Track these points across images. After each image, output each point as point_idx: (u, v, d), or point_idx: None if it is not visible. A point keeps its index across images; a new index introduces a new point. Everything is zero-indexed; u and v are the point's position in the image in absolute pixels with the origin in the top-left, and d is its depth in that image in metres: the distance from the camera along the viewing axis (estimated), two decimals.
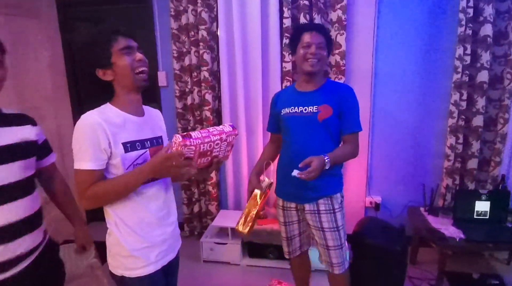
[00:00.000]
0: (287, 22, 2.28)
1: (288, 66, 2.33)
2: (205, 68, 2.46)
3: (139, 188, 1.06)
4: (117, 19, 2.89)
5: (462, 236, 1.86)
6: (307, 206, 1.56)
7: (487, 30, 2.07)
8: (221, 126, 1.09)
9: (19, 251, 1.05)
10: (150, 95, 2.86)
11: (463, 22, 2.07)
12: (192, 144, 0.97)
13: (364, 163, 2.48)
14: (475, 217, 2.01)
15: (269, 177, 1.61)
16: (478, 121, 2.20)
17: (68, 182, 1.36)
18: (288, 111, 1.54)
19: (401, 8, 2.24)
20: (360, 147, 2.37)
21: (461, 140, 2.24)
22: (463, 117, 2.22)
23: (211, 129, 1.06)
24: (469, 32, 2.08)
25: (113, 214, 1.08)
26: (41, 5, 2.56)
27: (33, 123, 1.16)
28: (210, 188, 2.67)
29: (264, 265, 2.38)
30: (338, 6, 2.21)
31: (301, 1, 2.23)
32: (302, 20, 2.24)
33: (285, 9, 2.27)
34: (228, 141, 1.09)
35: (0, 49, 1.04)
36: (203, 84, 2.50)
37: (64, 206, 1.33)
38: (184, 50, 2.50)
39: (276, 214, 1.72)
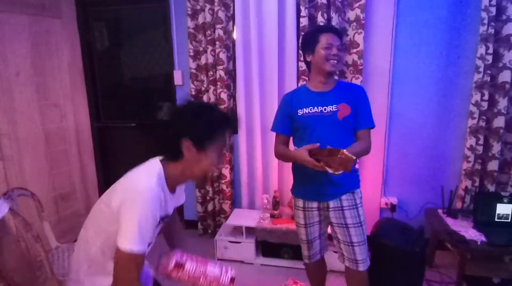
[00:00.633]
0: (304, 21, 2.27)
1: (305, 66, 2.32)
2: (221, 67, 2.47)
3: None
4: (135, 19, 2.93)
5: (483, 239, 1.82)
6: (331, 204, 1.55)
7: (510, 29, 2.02)
8: (222, 270, 1.05)
9: None
10: (165, 94, 2.89)
11: (485, 21, 2.03)
12: (181, 275, 0.99)
13: (380, 163, 2.45)
14: (496, 220, 1.97)
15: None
16: (499, 122, 2.15)
17: None
18: (306, 111, 1.54)
19: (421, 6, 2.20)
20: (376, 147, 2.40)
21: (481, 141, 2.20)
22: (484, 117, 2.17)
23: (209, 266, 1.04)
24: (492, 31, 2.04)
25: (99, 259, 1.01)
26: (63, 5, 2.61)
27: None
28: (224, 186, 2.68)
29: (278, 264, 2.37)
30: (357, 5, 2.19)
31: (318, 0, 2.22)
32: (320, 19, 2.23)
33: (302, 8, 2.26)
34: None
35: None
36: (218, 83, 2.51)
37: None
38: (201, 49, 2.52)
39: (294, 215, 1.70)
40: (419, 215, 2.41)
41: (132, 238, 0.87)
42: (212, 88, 2.54)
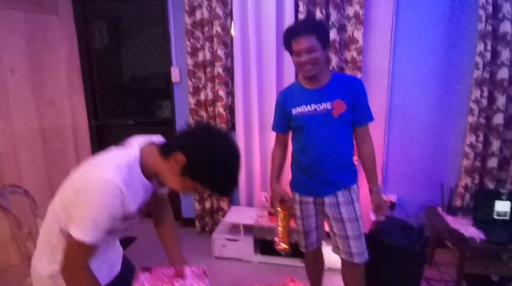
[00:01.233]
0: (302, 17, 2.25)
1: None
2: (219, 64, 2.45)
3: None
4: (133, 16, 2.91)
5: (483, 237, 1.80)
6: (326, 199, 1.55)
7: (506, 27, 2.01)
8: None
9: None
10: (163, 91, 2.87)
11: (483, 19, 2.01)
12: None
13: (379, 161, 2.41)
14: (495, 217, 1.95)
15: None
16: (498, 119, 2.13)
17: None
18: (300, 111, 1.51)
19: (420, 3, 2.19)
20: (376, 144, 2.34)
21: (481, 139, 2.18)
22: (483, 114, 2.15)
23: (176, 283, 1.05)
24: (489, 28, 2.02)
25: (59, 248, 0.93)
26: (60, 2, 2.59)
27: None
28: None
29: (276, 262, 2.36)
30: (356, 1, 2.17)
31: None
32: (318, 15, 2.21)
33: (300, 4, 2.24)
34: None
35: None
36: (216, 80, 2.49)
37: None
38: (198, 45, 2.50)
39: (292, 209, 1.69)
40: (419, 213, 2.39)
41: (83, 229, 0.84)
42: (210, 85, 2.53)
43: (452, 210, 2.11)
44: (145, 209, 1.04)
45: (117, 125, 3.04)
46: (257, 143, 2.54)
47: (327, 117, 1.48)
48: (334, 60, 2.25)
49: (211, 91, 2.54)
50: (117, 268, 1.16)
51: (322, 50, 1.43)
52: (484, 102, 2.13)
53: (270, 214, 2.41)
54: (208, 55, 2.47)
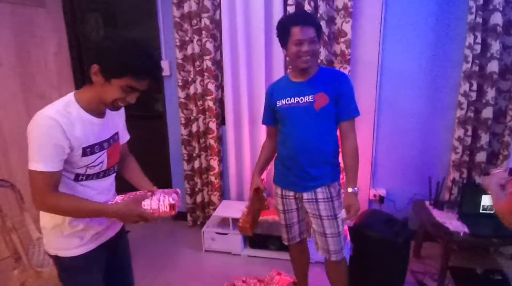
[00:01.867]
0: (291, 10, 2.22)
1: None
2: (208, 57, 2.43)
3: (83, 182, 1.09)
4: (122, 9, 2.88)
5: (466, 230, 1.81)
6: (305, 195, 1.55)
7: (497, 18, 1.98)
8: (160, 202, 1.13)
9: None
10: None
11: (473, 10, 1.98)
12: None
13: (368, 155, 2.43)
14: (481, 211, 1.96)
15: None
16: (487, 113, 2.12)
17: None
18: (284, 103, 1.51)
19: None
20: (365, 138, 2.38)
21: (469, 132, 2.17)
22: (472, 108, 2.14)
23: (145, 201, 1.12)
24: (479, 20, 2.00)
25: None
26: None
27: None
28: (213, 178, 2.67)
29: (265, 256, 2.38)
30: None
31: None
32: (307, 7, 2.19)
33: None
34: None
35: None
36: (206, 74, 2.48)
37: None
38: (187, 39, 2.48)
39: (275, 203, 1.71)
40: (407, 206, 2.40)
41: (33, 158, 0.96)
42: (199, 78, 2.51)
43: (439, 204, 2.11)
44: (114, 156, 1.14)
45: None
46: (247, 137, 2.53)
47: (309, 110, 1.47)
48: (323, 53, 2.23)
49: (200, 84, 2.52)
50: (111, 233, 1.23)
51: (319, 44, 1.46)
52: (473, 95, 2.12)
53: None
54: (196, 48, 2.45)
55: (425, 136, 2.34)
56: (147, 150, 3.00)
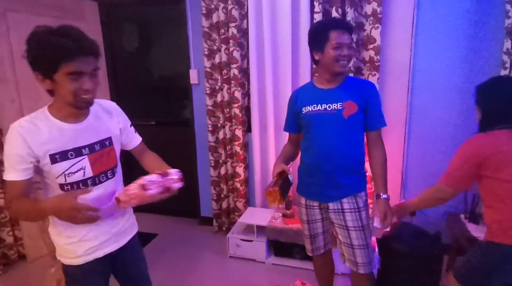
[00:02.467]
0: (318, 17, 2.21)
1: None
2: (235, 65, 2.48)
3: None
4: (155, 20, 3.01)
5: None
6: (331, 205, 1.52)
7: None
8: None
9: None
10: (183, 92, 2.95)
11: (511, 14, 1.87)
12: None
13: (399, 164, 2.35)
14: None
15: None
16: None
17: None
18: (310, 109, 1.50)
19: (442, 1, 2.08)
20: (395, 147, 2.30)
21: None
22: None
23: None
24: None
25: None
26: (86, 8, 2.73)
27: None
28: (238, 185, 2.69)
29: (290, 264, 2.35)
30: None
31: None
32: (334, 14, 2.17)
33: (316, 4, 2.20)
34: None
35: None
36: (232, 82, 2.52)
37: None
38: (215, 47, 2.53)
39: (299, 213, 1.69)
40: (441, 219, 2.28)
41: (5, 171, 1.01)
42: (226, 86, 2.56)
43: (475, 217, 1.99)
44: (101, 162, 1.12)
45: (140, 125, 3.15)
46: (272, 144, 2.54)
47: (337, 117, 1.45)
48: (351, 60, 2.19)
49: (227, 92, 2.57)
50: (112, 249, 1.21)
51: (355, 51, 1.46)
52: None
53: (284, 216, 2.40)
54: (224, 57, 2.50)
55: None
56: (175, 156, 3.08)
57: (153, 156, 1.33)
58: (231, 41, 2.44)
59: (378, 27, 2.13)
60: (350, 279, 1.65)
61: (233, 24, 2.41)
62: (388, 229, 1.49)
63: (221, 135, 2.67)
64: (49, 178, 1.06)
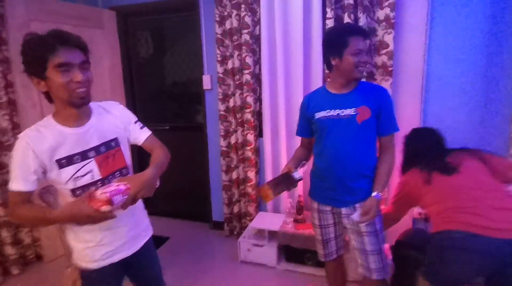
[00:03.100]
0: (330, 23, 2.22)
1: None
2: (247, 71, 2.50)
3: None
4: (170, 27, 3.08)
5: None
6: (343, 210, 1.52)
7: None
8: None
9: None
10: (196, 98, 2.99)
11: None
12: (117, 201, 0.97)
13: None
14: None
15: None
16: None
17: None
18: (324, 114, 1.50)
19: (458, 3, 2.05)
20: None
21: None
22: None
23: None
24: None
25: None
26: (104, 16, 2.82)
27: None
28: (250, 189, 2.70)
29: (301, 271, 2.33)
30: (386, 3, 2.09)
31: (345, 0, 2.16)
32: (347, 19, 2.17)
33: (328, 10, 2.21)
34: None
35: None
36: (245, 87, 2.54)
37: None
38: (228, 54, 2.57)
39: (311, 217, 1.68)
40: None
41: (10, 182, 1.03)
42: (238, 92, 2.59)
43: None
44: (109, 163, 1.13)
45: (154, 130, 3.21)
46: (284, 149, 2.54)
47: (350, 122, 1.45)
48: None
49: (239, 97, 2.59)
50: (127, 254, 1.22)
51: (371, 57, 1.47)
52: None
53: (296, 221, 2.40)
54: (237, 63, 2.54)
55: None
56: (188, 160, 3.14)
57: (155, 154, 1.26)
58: (243, 47, 2.47)
59: (391, 32, 2.12)
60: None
61: (245, 31, 2.44)
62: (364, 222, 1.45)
63: (233, 140, 2.69)
64: (59, 184, 1.07)
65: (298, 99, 2.42)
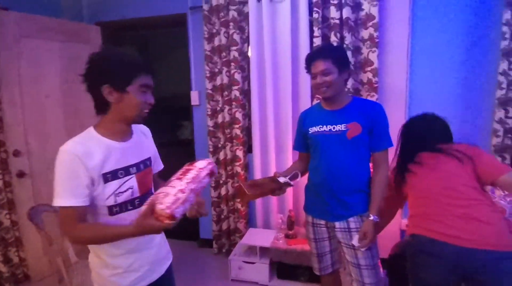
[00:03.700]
0: (318, 41, 2.29)
1: None
2: (236, 87, 2.52)
3: (120, 216, 1.06)
4: (156, 42, 3.09)
5: None
6: (337, 224, 1.54)
7: None
8: (196, 166, 1.04)
9: None
10: (184, 113, 2.98)
11: (507, 35, 1.96)
12: (179, 213, 0.92)
13: None
14: None
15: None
16: None
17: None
18: (316, 130, 1.55)
19: (437, 23, 2.17)
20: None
21: (508, 161, 2.07)
22: (509, 135, 2.06)
23: (186, 178, 0.98)
24: None
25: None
26: (90, 31, 2.79)
27: None
28: (239, 205, 2.67)
29: None
30: (370, 23, 2.19)
31: (331, 20, 2.24)
32: (333, 38, 2.25)
33: (315, 29, 2.29)
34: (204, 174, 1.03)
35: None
36: (233, 103, 2.56)
37: None
38: (216, 70, 2.59)
39: (306, 231, 1.69)
40: None
41: (59, 197, 0.97)
42: (227, 107, 2.59)
43: None
44: (146, 182, 1.13)
45: None
46: (273, 165, 2.55)
47: (341, 138, 1.49)
48: (350, 82, 2.25)
49: (228, 113, 2.60)
50: (154, 277, 1.18)
51: (338, 74, 1.48)
52: (509, 122, 2.05)
53: (287, 236, 2.38)
54: (225, 79, 2.56)
55: None
56: None
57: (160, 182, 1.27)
58: (232, 63, 2.50)
59: (375, 50, 2.21)
60: None
61: (234, 48, 2.48)
62: (363, 248, 1.48)
63: (221, 155, 2.68)
64: (100, 200, 1.04)
65: (287, 114, 2.45)
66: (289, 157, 2.50)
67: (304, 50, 2.35)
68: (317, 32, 2.29)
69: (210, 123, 2.69)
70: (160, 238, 1.21)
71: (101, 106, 1.05)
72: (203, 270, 2.65)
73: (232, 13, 2.44)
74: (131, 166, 1.09)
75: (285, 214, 2.52)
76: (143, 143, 1.19)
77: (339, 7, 2.21)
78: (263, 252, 2.40)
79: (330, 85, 1.47)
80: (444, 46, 2.18)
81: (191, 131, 2.89)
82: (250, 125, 2.61)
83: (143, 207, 0.92)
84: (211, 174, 1.06)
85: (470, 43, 2.13)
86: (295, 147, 1.76)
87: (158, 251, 1.19)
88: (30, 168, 2.38)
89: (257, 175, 2.58)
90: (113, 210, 1.05)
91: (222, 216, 2.77)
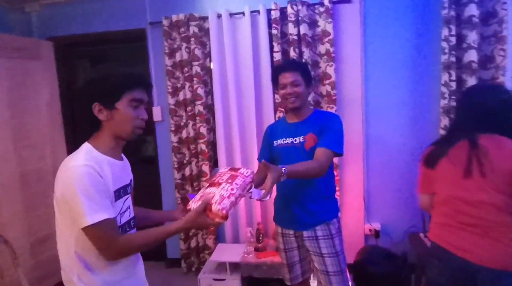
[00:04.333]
0: (278, 56, 2.37)
1: (280, 98, 2.39)
2: (199, 102, 2.52)
3: None
4: (115, 57, 3.00)
5: None
6: (305, 233, 1.57)
7: (471, 56, 2.11)
8: (242, 174, 1.11)
9: None
10: (146, 130, 2.89)
11: (446, 50, 2.15)
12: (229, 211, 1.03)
13: (360, 189, 2.48)
14: None
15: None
16: None
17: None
18: (280, 142, 1.61)
19: (386, 40, 2.35)
20: (356, 174, 2.44)
21: None
22: None
23: (235, 183, 1.07)
24: (453, 59, 2.16)
25: (81, 264, 0.98)
26: (42, 47, 2.65)
27: None
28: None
29: None
30: (326, 39, 2.31)
31: (290, 36, 2.33)
32: (292, 53, 2.34)
33: (275, 44, 2.37)
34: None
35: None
36: (198, 118, 2.54)
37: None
38: (179, 85, 2.57)
39: (276, 242, 1.71)
40: (404, 239, 2.40)
41: (88, 212, 0.90)
42: (191, 123, 2.57)
43: None
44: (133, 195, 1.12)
45: None
46: None
47: (300, 149, 1.55)
48: (310, 95, 2.34)
49: (192, 128, 2.58)
50: None
51: (305, 86, 1.56)
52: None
53: (256, 250, 2.38)
54: (188, 94, 2.54)
55: (414, 168, 2.40)
56: (139, 195, 2.96)
57: (140, 209, 1.25)
58: (195, 78, 2.50)
59: (332, 64, 2.32)
60: None
61: (196, 63, 2.48)
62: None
63: (187, 171, 2.63)
64: None
65: (251, 127, 2.49)
66: (255, 170, 2.51)
67: (266, 64, 2.41)
68: (276, 47, 2.36)
69: (174, 138, 2.64)
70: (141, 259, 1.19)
71: (93, 123, 1.02)
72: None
73: (193, 29, 2.45)
74: (128, 185, 1.08)
75: (253, 227, 2.52)
76: (127, 162, 1.18)
77: (297, 23, 2.31)
78: (233, 268, 2.36)
79: (298, 96, 1.54)
80: (393, 61, 2.36)
81: (154, 148, 2.82)
82: (215, 140, 2.61)
83: (197, 205, 1.00)
84: (252, 183, 1.11)
85: (416, 56, 2.33)
86: (260, 159, 1.78)
87: (143, 271, 1.19)
88: None
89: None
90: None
91: (190, 234, 2.70)
